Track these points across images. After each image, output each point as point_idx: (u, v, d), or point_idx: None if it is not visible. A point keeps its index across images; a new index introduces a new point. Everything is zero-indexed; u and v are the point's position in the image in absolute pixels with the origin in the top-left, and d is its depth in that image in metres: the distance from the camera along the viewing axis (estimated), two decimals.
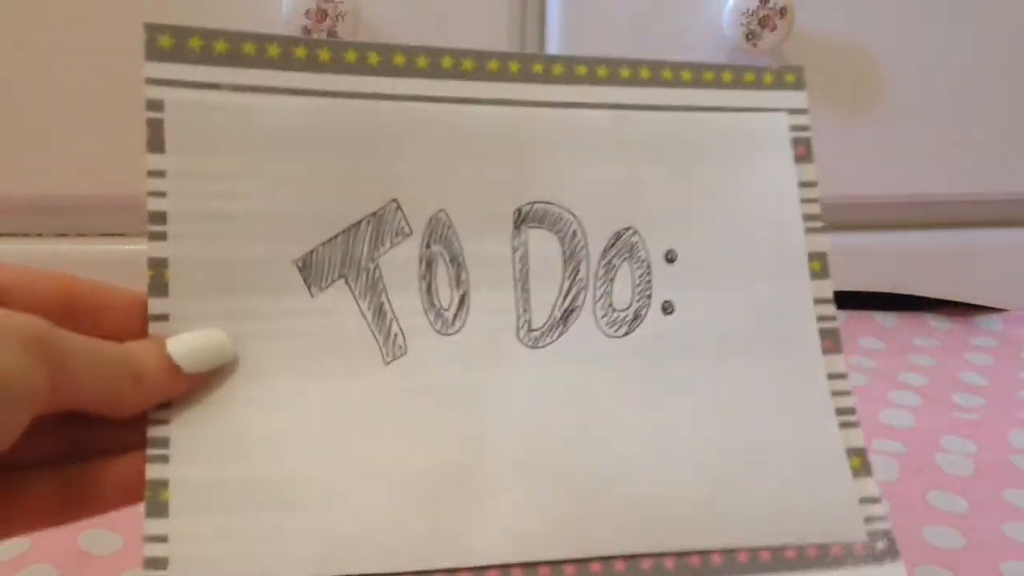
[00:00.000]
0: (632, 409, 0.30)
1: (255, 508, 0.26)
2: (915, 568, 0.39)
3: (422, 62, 0.30)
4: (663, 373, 0.31)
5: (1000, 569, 0.39)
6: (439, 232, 0.30)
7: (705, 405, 0.31)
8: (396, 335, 0.29)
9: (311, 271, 0.29)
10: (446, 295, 0.30)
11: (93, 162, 0.54)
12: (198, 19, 0.56)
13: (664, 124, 0.33)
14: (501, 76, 0.31)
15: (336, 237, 0.29)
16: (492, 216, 0.31)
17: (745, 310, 0.32)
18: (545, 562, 0.28)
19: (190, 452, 0.26)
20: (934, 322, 0.65)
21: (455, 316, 0.30)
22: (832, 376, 0.32)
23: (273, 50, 0.29)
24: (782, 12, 0.52)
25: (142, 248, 0.27)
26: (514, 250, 0.31)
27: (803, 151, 0.34)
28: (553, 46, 0.55)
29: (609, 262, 0.32)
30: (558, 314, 0.31)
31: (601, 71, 0.33)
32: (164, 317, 0.27)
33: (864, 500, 0.31)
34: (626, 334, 0.31)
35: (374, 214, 0.30)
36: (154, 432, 0.26)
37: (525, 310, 0.31)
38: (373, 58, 0.30)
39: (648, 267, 0.32)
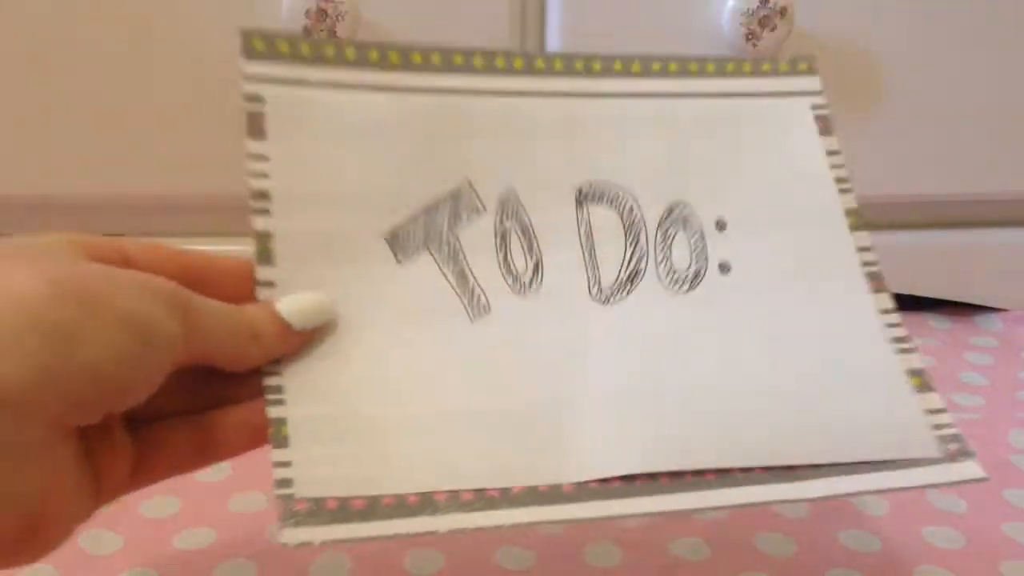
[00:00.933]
0: (703, 345, 0.33)
1: (362, 437, 0.29)
2: (915, 568, 0.39)
3: (479, 62, 0.35)
4: (727, 313, 0.34)
5: (1000, 569, 0.39)
6: (510, 209, 0.34)
7: (769, 338, 0.34)
8: (479, 296, 0.33)
9: (398, 243, 0.32)
10: (521, 262, 0.34)
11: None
12: (198, 19, 0.56)
13: (702, 109, 0.37)
14: (548, 72, 0.36)
15: (418, 214, 0.33)
16: (556, 195, 0.35)
17: (796, 258, 0.36)
18: (643, 474, 0.30)
19: (302, 395, 0.29)
20: (934, 322, 0.65)
21: (531, 280, 0.33)
22: (883, 311, 0.35)
23: (350, 53, 0.33)
24: (782, 12, 0.52)
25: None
26: (578, 224, 0.35)
27: (824, 125, 0.38)
28: (553, 46, 0.55)
29: (666, 232, 0.35)
30: (624, 275, 0.34)
31: (635, 67, 0.37)
32: (271, 283, 0.30)
33: (929, 411, 0.33)
34: (689, 289, 0.35)
35: (451, 193, 0.33)
36: (269, 381, 0.29)
37: (594, 273, 0.34)
38: (436, 59, 0.34)
39: (702, 235, 0.36)
